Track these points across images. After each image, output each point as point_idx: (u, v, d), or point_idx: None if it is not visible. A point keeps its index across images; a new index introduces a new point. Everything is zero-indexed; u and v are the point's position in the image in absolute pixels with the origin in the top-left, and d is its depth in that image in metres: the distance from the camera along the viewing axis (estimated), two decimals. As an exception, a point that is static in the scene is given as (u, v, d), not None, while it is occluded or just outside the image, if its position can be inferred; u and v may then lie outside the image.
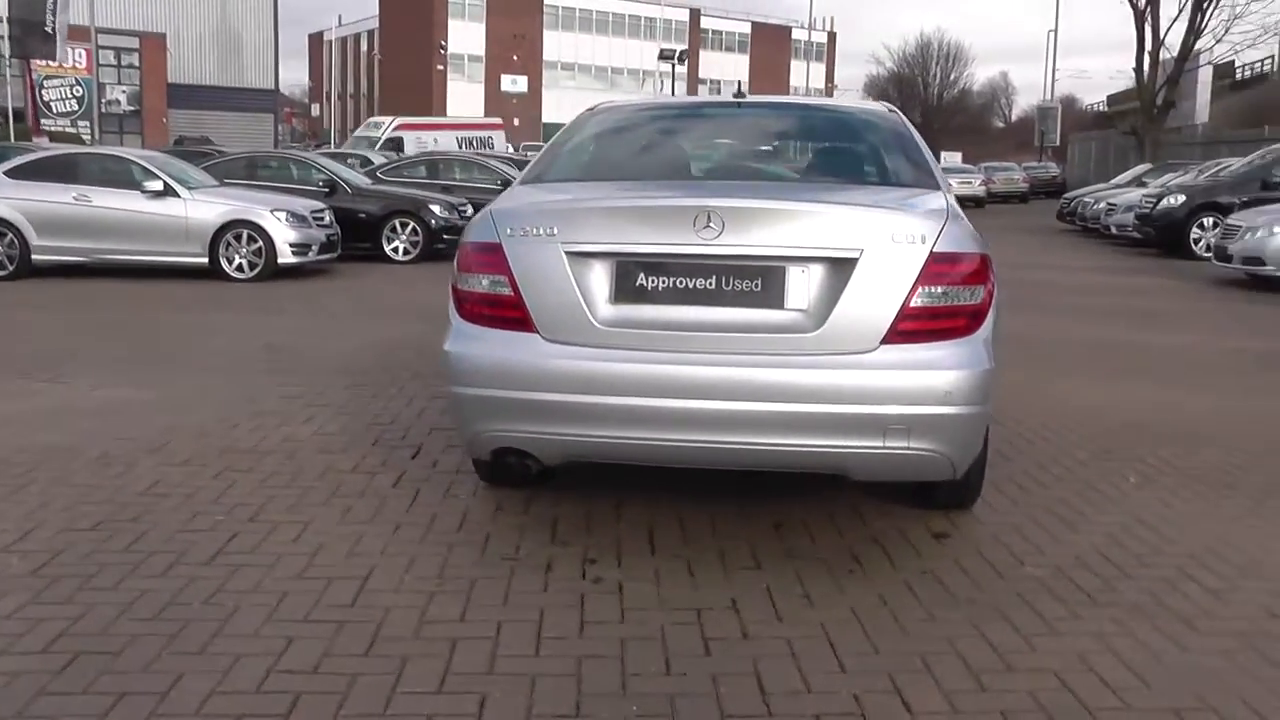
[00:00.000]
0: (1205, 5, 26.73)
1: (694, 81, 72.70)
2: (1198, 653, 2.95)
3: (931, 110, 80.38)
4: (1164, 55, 28.82)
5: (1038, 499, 4.21)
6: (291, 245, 10.97)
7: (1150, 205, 16.06)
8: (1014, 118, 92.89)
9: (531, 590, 3.24)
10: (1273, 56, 40.21)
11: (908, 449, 3.18)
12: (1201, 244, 15.02)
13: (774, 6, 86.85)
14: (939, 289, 3.20)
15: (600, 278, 3.26)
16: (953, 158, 50.38)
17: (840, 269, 3.18)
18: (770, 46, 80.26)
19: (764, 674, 2.75)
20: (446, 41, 65.32)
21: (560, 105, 70.14)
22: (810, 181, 3.86)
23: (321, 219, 11.54)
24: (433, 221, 13.31)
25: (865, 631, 3.02)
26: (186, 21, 41.84)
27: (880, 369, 3.15)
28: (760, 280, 3.21)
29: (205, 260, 10.87)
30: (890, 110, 4.36)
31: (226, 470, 4.41)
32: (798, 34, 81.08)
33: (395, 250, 13.26)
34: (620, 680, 2.70)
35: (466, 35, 66.78)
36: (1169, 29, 28.46)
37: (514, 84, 68.83)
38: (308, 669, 2.72)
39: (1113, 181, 25.36)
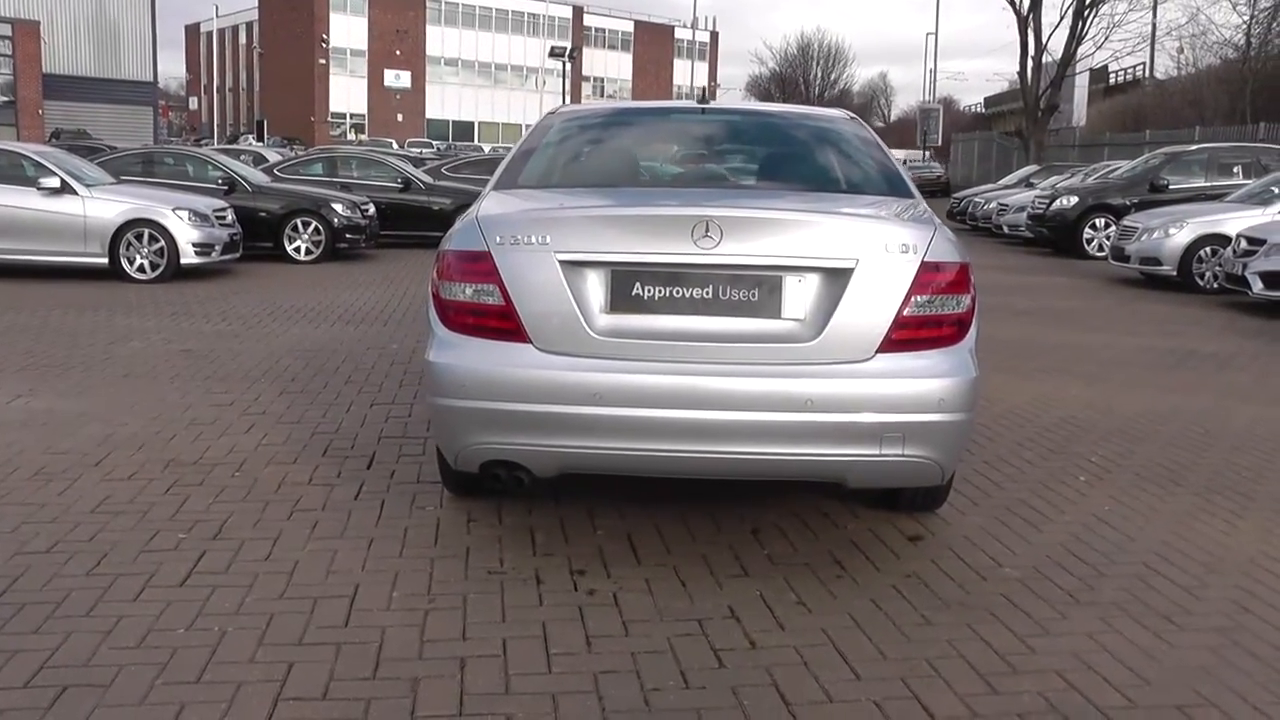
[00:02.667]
0: (1085, 13, 27.92)
1: (578, 79, 72.61)
2: (1185, 649, 3.06)
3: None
4: (1046, 59, 29.99)
5: (996, 500, 4.32)
6: (195, 245, 10.53)
7: (1043, 206, 16.69)
8: (893, 118, 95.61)
9: (527, 605, 3.17)
10: (1144, 63, 42.24)
11: (902, 456, 3.23)
12: (1094, 244, 15.69)
13: (657, 5, 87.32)
14: (929, 298, 3.26)
15: (595, 287, 3.21)
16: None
17: (836, 279, 3.21)
18: (653, 45, 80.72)
19: (782, 685, 2.75)
20: (328, 35, 63.70)
21: (444, 102, 69.25)
22: (796, 191, 3.86)
23: (224, 218, 11.11)
24: (335, 220, 12.96)
25: (868, 637, 3.05)
26: (61, 8, 39.76)
27: (877, 378, 3.18)
28: (757, 290, 3.21)
29: (105, 261, 10.34)
30: (851, 118, 4.42)
31: (177, 484, 4.21)
32: (680, 33, 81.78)
33: (297, 250, 12.86)
34: (641, 696, 2.66)
35: (348, 29, 65.25)
36: (1051, 34, 29.68)
37: (397, 79, 67.58)
38: (316, 695, 2.61)
39: (1001, 182, 26.24)
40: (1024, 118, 30.78)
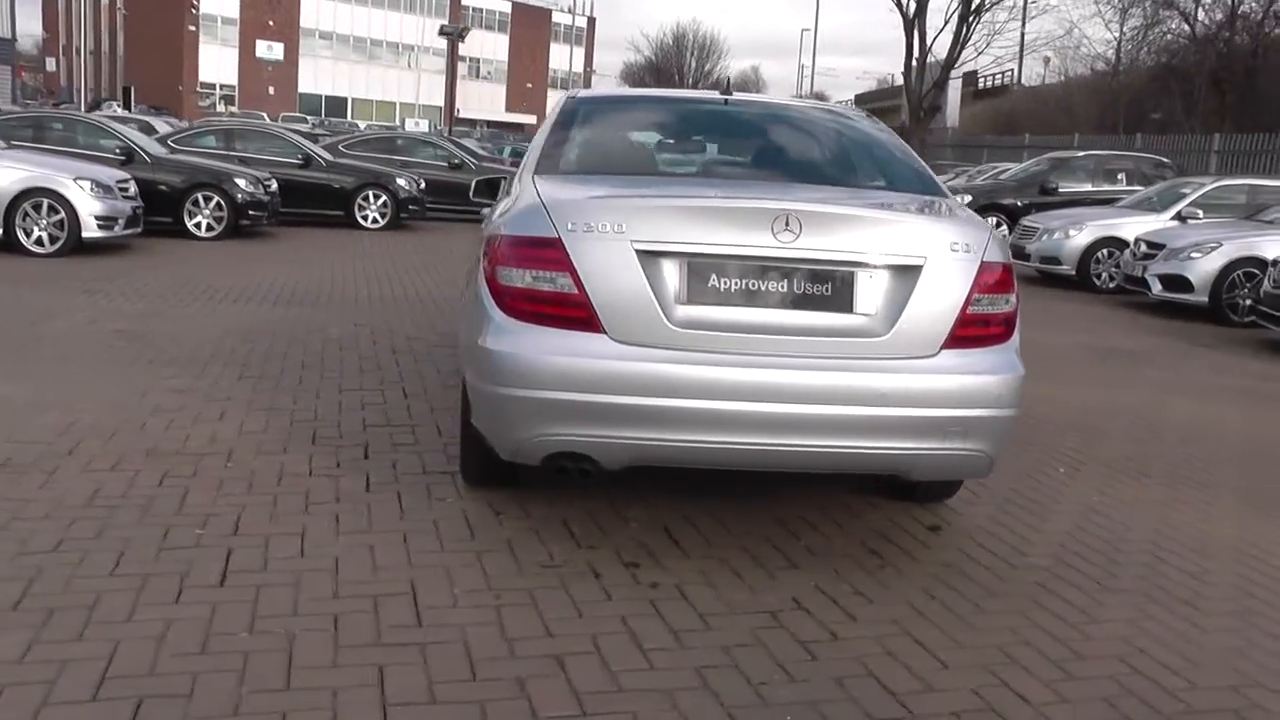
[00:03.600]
0: (970, 18, 28.95)
1: (454, 59, 71.24)
2: (1215, 632, 3.23)
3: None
4: (930, 60, 30.97)
5: (992, 491, 4.44)
6: (98, 219, 9.89)
7: (937, 206, 17.22)
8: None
9: (595, 599, 3.11)
10: (1012, 69, 44.08)
11: (963, 450, 3.29)
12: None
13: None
14: (987, 297, 3.34)
15: (671, 277, 3.16)
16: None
17: (906, 276, 3.24)
18: (531, 28, 79.87)
19: (880, 675, 2.78)
20: (198, 1, 60.72)
21: (318, 76, 66.94)
22: (854, 188, 3.87)
23: (126, 190, 10.47)
24: (239, 196, 12.39)
25: (937, 626, 3.10)
26: (-92, -43, 36.65)
27: (943, 373, 3.23)
28: (831, 285, 3.22)
29: (-1, 232, 9.63)
30: (868, 114, 4.47)
31: (169, 476, 3.95)
32: (558, 17, 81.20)
33: (198, 226, 12.24)
34: (752, 690, 2.65)
35: None
36: (935, 38, 30.68)
37: (270, 50, 64.90)
38: (422, 699, 2.49)
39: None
40: (907, 117, 31.69)
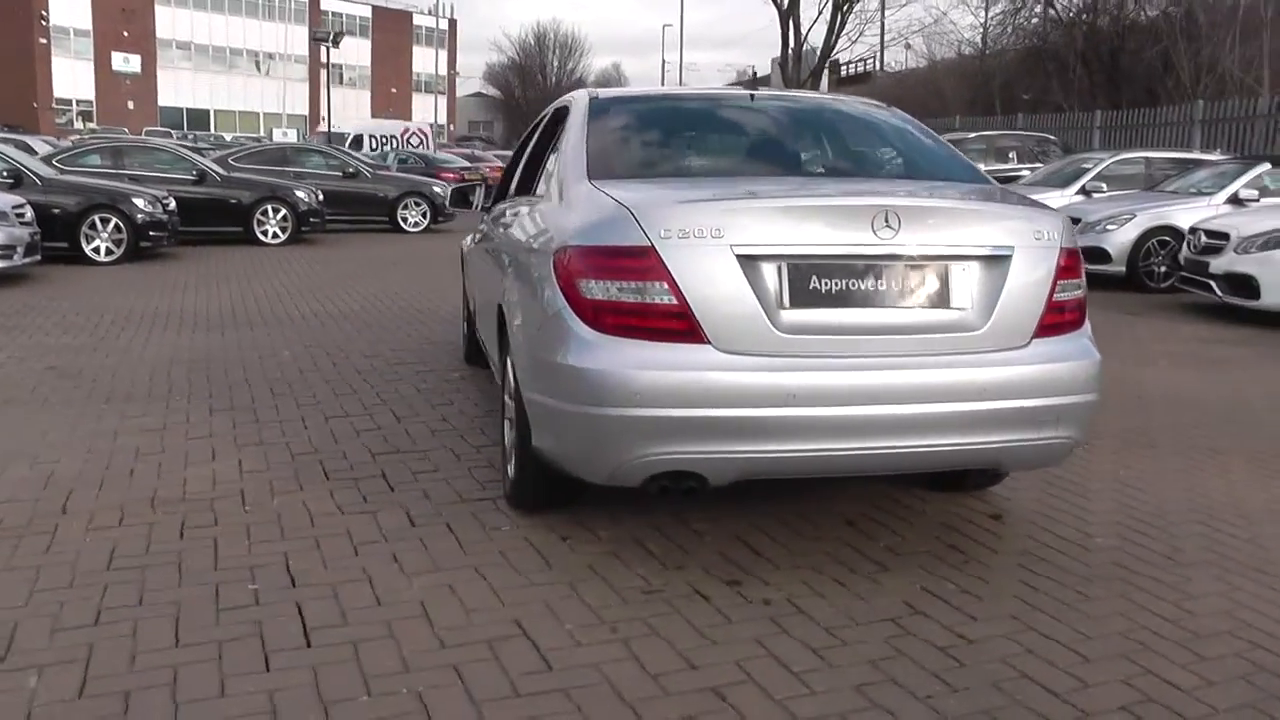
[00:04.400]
0: (843, 8, 29.51)
1: (315, 65, 69.27)
2: None
3: (552, 98, 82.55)
4: (805, 48, 31.48)
5: (1027, 474, 4.40)
6: (-7, 248, 9.14)
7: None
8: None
9: (718, 623, 2.93)
10: (875, 55, 45.11)
11: (1055, 438, 3.24)
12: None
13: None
14: (1067, 283, 3.31)
15: (772, 281, 3.00)
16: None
17: (996, 267, 3.18)
18: (392, 31, 78.03)
19: (1033, 675, 2.70)
20: (47, 11, 57.06)
21: (178, 88, 64.00)
22: (921, 179, 3.76)
23: (23, 216, 9.71)
24: (138, 217, 11.67)
25: (1055, 617, 3.05)
26: None
27: (1036, 363, 3.18)
28: (928, 280, 3.13)
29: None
30: (892, 108, 4.40)
31: (188, 527, 3.60)
32: (419, 19, 79.64)
33: (96, 250, 11.47)
34: (926, 707, 2.52)
35: (70, 6, 58.44)
36: (810, 29, 31.21)
37: (126, 63, 61.54)
38: (595, 754, 2.27)
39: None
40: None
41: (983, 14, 31.62)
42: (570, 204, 3.39)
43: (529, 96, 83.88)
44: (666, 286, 2.94)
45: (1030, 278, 3.19)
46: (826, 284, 3.03)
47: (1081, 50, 25.87)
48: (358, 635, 2.81)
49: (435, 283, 10.69)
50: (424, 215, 17.10)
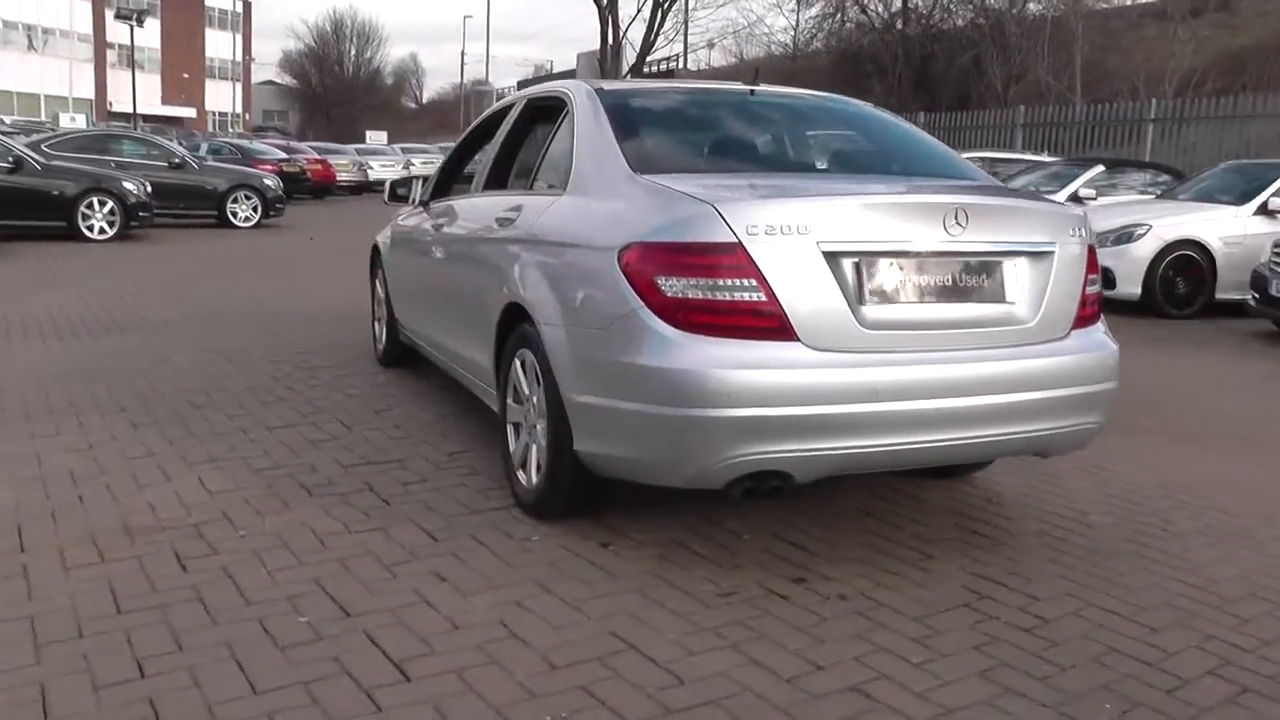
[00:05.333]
0: (663, 5, 29.89)
1: (101, 45, 64.40)
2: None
3: (351, 89, 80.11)
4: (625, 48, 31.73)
5: (1000, 460, 4.57)
6: None
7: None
8: (425, 99, 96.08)
9: (814, 622, 2.90)
10: (678, 54, 45.87)
11: (1088, 423, 3.38)
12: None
13: (182, -30, 78.87)
14: (1093, 277, 3.48)
15: (851, 277, 3.00)
16: (378, 138, 50.47)
17: (1042, 262, 3.29)
18: (183, 12, 73.13)
19: (1123, 649, 2.81)
20: None
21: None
22: (947, 178, 3.79)
23: None
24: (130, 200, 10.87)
25: (1106, 594, 3.19)
26: None
27: (1076, 353, 3.32)
28: (986, 276, 3.21)
29: None
30: (874, 105, 4.47)
31: (186, 558, 3.25)
32: (211, 1, 75.35)
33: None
34: (1053, 688, 2.56)
35: None
36: (629, 26, 31.46)
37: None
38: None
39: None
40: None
41: (795, 17, 32.75)
42: (624, 199, 3.26)
43: (326, 85, 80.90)
44: (755, 283, 2.87)
45: (1069, 272, 3.33)
46: (903, 280, 3.06)
47: (894, 55, 27.17)
48: (456, 664, 2.61)
49: (297, 282, 10.16)
50: (255, 210, 16.17)
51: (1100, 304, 3.58)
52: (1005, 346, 3.17)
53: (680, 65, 48.26)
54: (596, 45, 31.29)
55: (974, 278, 3.17)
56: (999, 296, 3.21)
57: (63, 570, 3.15)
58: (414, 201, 5.59)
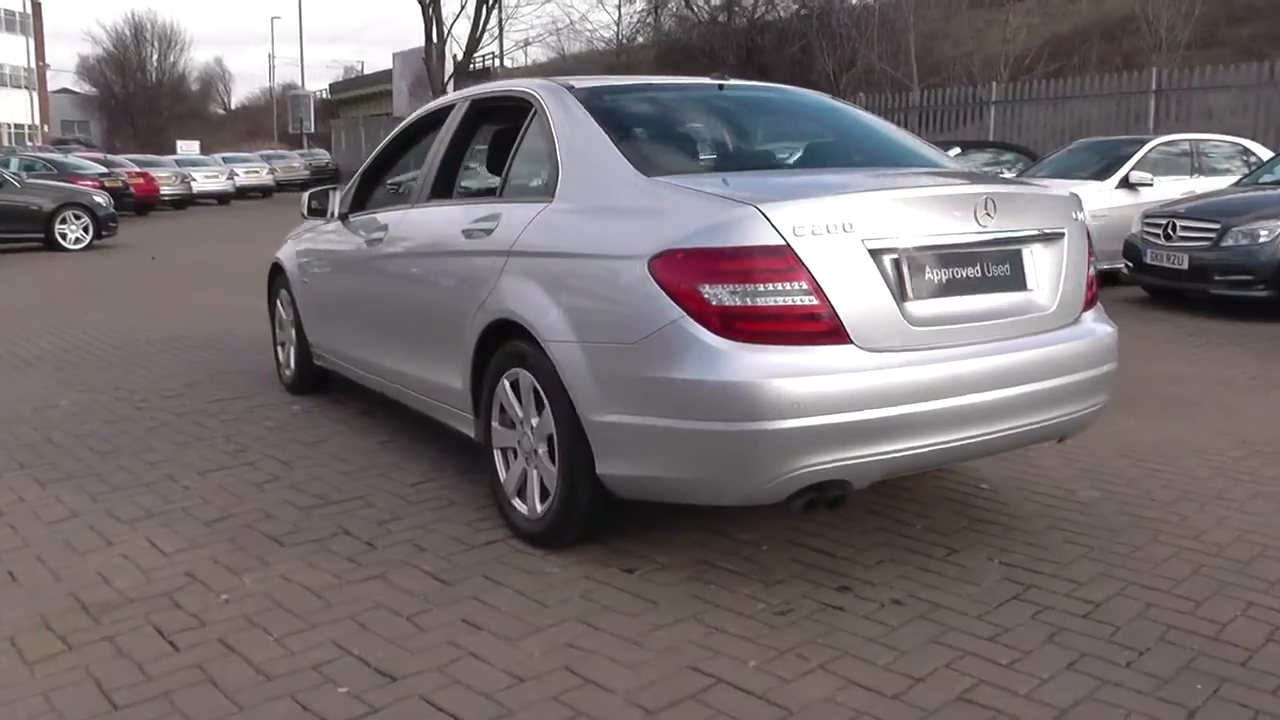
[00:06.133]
0: (489, 3, 29.33)
1: None
2: (1262, 514, 3.71)
3: (156, 96, 75.98)
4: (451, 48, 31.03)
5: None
6: None
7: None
8: (234, 105, 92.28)
9: (885, 632, 2.80)
10: (493, 53, 45.00)
11: (1098, 404, 3.42)
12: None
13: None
14: (1093, 262, 3.52)
15: (893, 274, 2.90)
16: (190, 147, 48.21)
17: (1055, 248, 3.29)
18: (-36, 12, 67.47)
19: (1182, 625, 2.83)
20: None
21: None
22: (933, 165, 3.73)
23: None
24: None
25: (1138, 570, 3.23)
26: None
27: (1089, 337, 3.35)
28: (1009, 264, 3.19)
29: None
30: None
31: (172, 633, 2.88)
32: (-3, 1, 69.59)
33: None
34: (1140, 672, 2.54)
35: None
36: (453, 24, 30.73)
37: None
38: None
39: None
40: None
41: (617, 12, 32.82)
42: (641, 204, 3.06)
43: (129, 93, 76.18)
44: (806, 286, 2.74)
45: (1077, 257, 3.36)
46: (941, 273, 3.00)
47: (721, 47, 27.53)
48: (583, 706, 2.39)
49: (156, 307, 9.45)
50: (86, 230, 14.98)
51: (1097, 286, 3.62)
52: (1032, 334, 3.15)
53: (497, 64, 47.56)
54: (407, 45, 30.57)
55: (1000, 267, 3.15)
56: (1022, 284, 3.20)
57: (25, 666, 2.72)
58: (331, 215, 5.20)
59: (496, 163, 3.95)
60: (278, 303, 6.05)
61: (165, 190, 26.51)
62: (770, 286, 2.73)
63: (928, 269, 2.98)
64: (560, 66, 38.73)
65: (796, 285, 2.74)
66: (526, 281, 3.36)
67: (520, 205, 3.59)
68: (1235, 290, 7.87)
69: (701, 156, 3.57)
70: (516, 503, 3.53)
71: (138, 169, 24.81)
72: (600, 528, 3.39)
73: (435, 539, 3.56)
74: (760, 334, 2.74)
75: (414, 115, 4.98)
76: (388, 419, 5.14)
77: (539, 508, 3.40)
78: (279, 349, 6.10)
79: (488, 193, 4.02)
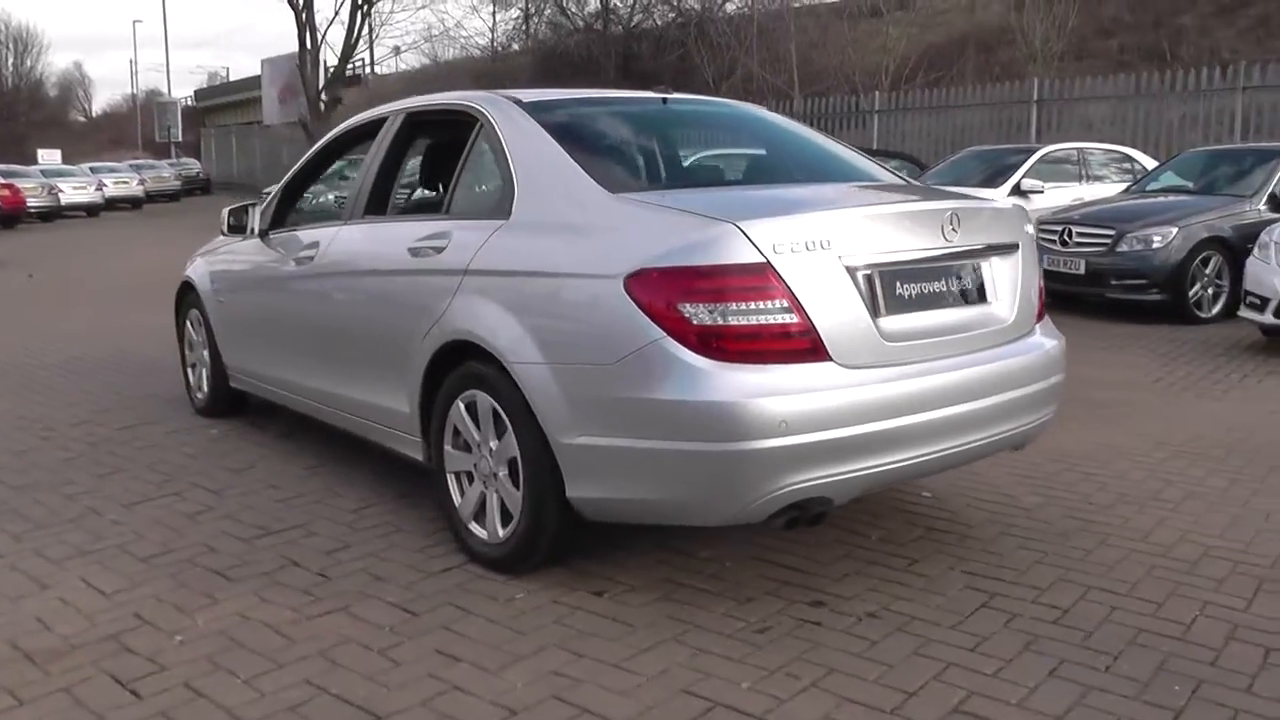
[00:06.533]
0: (362, 7, 28.72)
1: None
2: (1254, 493, 4.02)
3: (12, 103, 72.39)
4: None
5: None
6: None
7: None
8: (95, 112, 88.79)
9: (867, 647, 2.82)
10: (363, 60, 44.08)
11: (1049, 414, 3.52)
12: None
13: None
14: (1039, 271, 3.58)
15: (867, 290, 2.93)
16: (51, 156, 46.21)
17: (1011, 261, 3.38)
18: None
19: (1150, 628, 2.93)
20: None
21: None
22: (877, 179, 3.76)
23: None
24: None
25: (1094, 574, 3.33)
26: None
27: (1044, 348, 3.43)
28: (972, 278, 3.25)
29: None
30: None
31: (130, 681, 2.72)
32: None
33: None
34: (1120, 676, 2.62)
35: None
36: (327, 30, 29.99)
37: None
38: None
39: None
40: (306, 111, 30.50)
41: (492, 19, 32.52)
42: (611, 222, 3.01)
43: (-13, 102, 72.28)
44: (787, 304, 2.74)
45: (1029, 269, 3.45)
46: (910, 288, 3.05)
47: (599, 54, 27.58)
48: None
49: (44, 328, 8.98)
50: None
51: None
52: (993, 347, 3.22)
53: (368, 71, 46.53)
54: (273, 51, 29.81)
55: (963, 281, 3.21)
56: (983, 297, 3.27)
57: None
58: (251, 231, 5.00)
59: (439, 178, 3.86)
60: (187, 323, 5.79)
61: (32, 202, 25.21)
62: (751, 305, 2.73)
63: (898, 284, 3.02)
64: (434, 73, 38.20)
65: (777, 303, 2.74)
66: (485, 302, 3.28)
67: (471, 223, 3.51)
68: (1131, 294, 8.25)
69: (661, 172, 3.55)
70: (474, 527, 3.45)
71: (3, 179, 23.51)
72: (567, 551, 3.34)
73: (390, 567, 3.45)
74: (742, 353, 2.73)
75: (339, 129, 4.83)
76: (311, 442, 4.97)
77: (500, 532, 3.33)
78: (189, 371, 5.84)
79: (430, 209, 3.92)
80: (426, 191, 4.09)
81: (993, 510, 3.93)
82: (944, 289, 3.15)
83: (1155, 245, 8.15)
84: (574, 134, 3.44)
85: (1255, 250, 7.13)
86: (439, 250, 3.53)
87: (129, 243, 19.69)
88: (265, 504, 4.13)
